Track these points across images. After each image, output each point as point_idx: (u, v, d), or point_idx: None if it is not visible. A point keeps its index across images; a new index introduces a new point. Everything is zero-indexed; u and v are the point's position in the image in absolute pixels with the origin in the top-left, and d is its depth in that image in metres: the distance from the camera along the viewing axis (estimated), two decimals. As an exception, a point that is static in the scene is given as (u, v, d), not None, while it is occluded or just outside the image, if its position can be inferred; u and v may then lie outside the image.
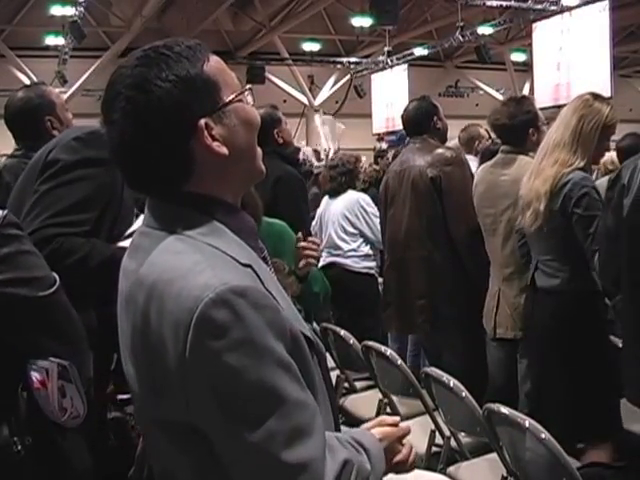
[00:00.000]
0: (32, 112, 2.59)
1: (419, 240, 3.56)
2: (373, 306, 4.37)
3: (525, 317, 3.00)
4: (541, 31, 11.06)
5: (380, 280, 4.50)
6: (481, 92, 19.12)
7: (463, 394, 2.43)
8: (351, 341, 3.23)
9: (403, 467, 1.34)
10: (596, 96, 2.82)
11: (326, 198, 4.84)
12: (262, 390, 1.04)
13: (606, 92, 8.13)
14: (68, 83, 15.02)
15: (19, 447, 1.49)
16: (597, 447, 2.65)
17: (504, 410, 2.18)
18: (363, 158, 7.90)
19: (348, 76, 17.86)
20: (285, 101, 16.46)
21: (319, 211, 4.89)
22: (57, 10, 13.17)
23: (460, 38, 13.98)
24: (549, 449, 1.96)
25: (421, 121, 3.68)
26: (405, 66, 15.32)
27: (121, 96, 1.13)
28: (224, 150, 1.15)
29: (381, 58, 16.16)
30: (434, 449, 2.70)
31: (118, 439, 1.80)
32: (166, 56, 1.13)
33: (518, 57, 17.73)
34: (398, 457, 1.32)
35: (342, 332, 3.30)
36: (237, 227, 1.19)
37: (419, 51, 15.78)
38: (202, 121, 1.13)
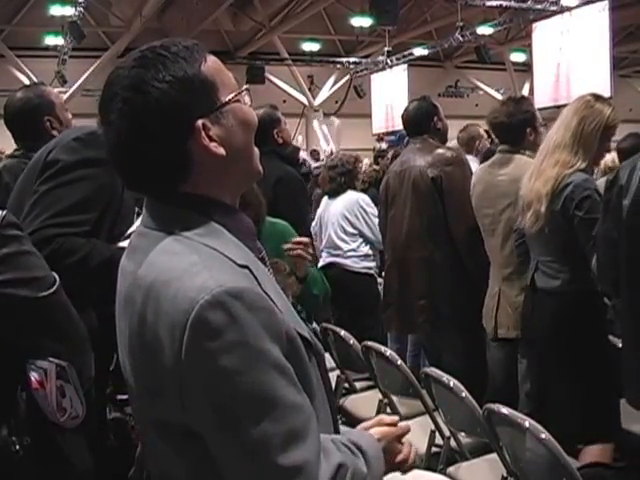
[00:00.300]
0: (31, 112, 2.59)
1: (420, 240, 3.56)
2: (373, 306, 4.37)
3: (524, 317, 2.99)
4: (541, 31, 11.08)
5: (380, 280, 4.50)
6: (481, 92, 19.13)
7: (463, 394, 2.43)
8: (351, 341, 3.23)
9: (403, 466, 1.33)
10: (597, 97, 2.82)
11: (326, 198, 4.84)
12: (256, 393, 1.03)
13: (606, 92, 8.14)
14: (68, 83, 15.04)
15: (17, 447, 1.49)
16: (597, 447, 2.64)
17: (504, 410, 2.18)
18: (365, 160, 7.91)
19: (348, 76, 17.87)
20: (285, 101, 16.48)
21: (319, 211, 4.89)
22: (57, 10, 13.18)
23: (460, 38, 14.00)
24: (549, 449, 1.96)
25: (421, 121, 3.69)
26: (405, 66, 15.33)
27: (118, 97, 1.13)
28: (221, 151, 1.15)
29: (381, 58, 16.17)
30: (434, 449, 2.70)
31: (118, 439, 1.80)
32: (163, 57, 1.13)
33: (518, 57, 17.75)
34: (399, 457, 1.32)
35: (342, 332, 3.30)
36: (235, 228, 1.19)
37: (419, 51, 15.80)
38: (199, 122, 1.13)
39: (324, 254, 4.71)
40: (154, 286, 1.09)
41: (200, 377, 1.04)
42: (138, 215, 1.93)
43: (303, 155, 7.82)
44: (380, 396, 3.09)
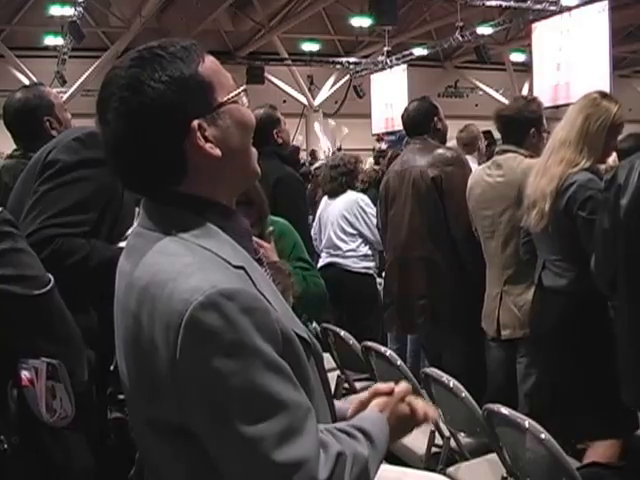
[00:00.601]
0: (31, 113, 2.59)
1: (420, 240, 3.56)
2: (372, 306, 4.38)
3: (532, 317, 2.97)
4: (540, 31, 11.07)
5: (379, 280, 4.50)
6: (480, 92, 19.12)
7: (463, 394, 2.42)
8: (351, 341, 3.23)
9: (419, 420, 1.32)
10: (604, 95, 2.80)
11: (325, 198, 4.84)
12: (251, 392, 1.04)
13: (605, 92, 8.11)
14: (67, 83, 15.03)
15: (5, 446, 1.49)
16: (604, 444, 2.63)
17: (504, 410, 2.18)
18: (369, 160, 7.91)
19: (347, 76, 17.87)
20: (285, 101, 16.48)
21: (318, 212, 4.89)
22: (56, 10, 13.15)
23: (459, 38, 13.99)
24: (549, 449, 1.96)
25: (421, 122, 3.69)
26: (404, 66, 15.32)
27: (114, 97, 1.13)
28: (217, 152, 1.15)
29: (380, 58, 16.16)
30: (434, 449, 2.69)
31: (118, 439, 1.80)
32: (160, 57, 1.13)
33: (517, 57, 17.73)
34: (408, 415, 1.30)
35: (342, 332, 3.30)
36: (231, 228, 1.19)
37: (418, 51, 15.79)
38: (195, 122, 1.13)
39: (323, 254, 4.72)
40: (149, 287, 1.10)
41: (195, 377, 1.04)
42: (139, 215, 1.93)
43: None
44: (380, 396, 3.08)
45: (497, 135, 3.72)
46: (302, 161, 10.05)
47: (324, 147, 15.08)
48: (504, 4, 13.08)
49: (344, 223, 4.60)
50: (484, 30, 14.18)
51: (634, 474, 2.63)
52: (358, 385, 3.52)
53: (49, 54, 15.06)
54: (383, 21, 12.21)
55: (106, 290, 1.30)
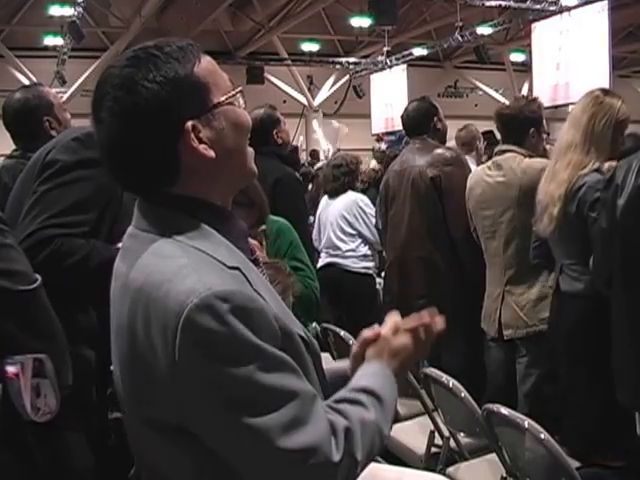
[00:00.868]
0: (30, 113, 2.59)
1: (419, 240, 3.56)
2: (371, 306, 4.38)
3: (550, 322, 2.94)
4: (540, 31, 11.06)
5: (379, 280, 4.50)
6: (480, 92, 19.10)
7: (462, 394, 2.42)
8: (351, 341, 3.22)
9: (418, 344, 1.38)
10: (606, 91, 2.79)
11: (325, 198, 4.84)
12: (256, 387, 1.04)
13: (605, 92, 8.11)
14: (67, 83, 15.00)
15: None
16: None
17: (503, 410, 2.18)
18: (373, 162, 7.90)
19: (347, 76, 17.85)
20: (284, 101, 16.47)
21: (318, 212, 4.89)
22: (56, 10, 13.13)
23: (459, 38, 13.98)
24: (548, 449, 1.96)
25: (421, 122, 3.69)
26: (404, 66, 15.31)
27: (109, 96, 1.13)
28: (211, 153, 1.14)
29: (380, 58, 16.15)
30: (433, 450, 2.70)
31: (118, 439, 1.80)
32: (155, 57, 1.13)
33: (517, 57, 17.72)
34: (408, 343, 1.34)
35: (342, 332, 3.30)
36: (226, 229, 1.19)
37: (418, 51, 15.77)
38: (189, 123, 1.13)
39: (323, 254, 4.72)
40: (144, 287, 1.10)
41: (195, 379, 1.05)
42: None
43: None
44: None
45: (499, 136, 3.72)
46: (302, 161, 10.06)
47: (324, 147, 15.06)
48: (504, 4, 13.06)
49: (343, 223, 4.61)
50: (484, 30, 14.16)
51: (634, 474, 2.63)
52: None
53: (49, 54, 15.04)
54: (383, 21, 12.20)
55: (106, 290, 1.30)
